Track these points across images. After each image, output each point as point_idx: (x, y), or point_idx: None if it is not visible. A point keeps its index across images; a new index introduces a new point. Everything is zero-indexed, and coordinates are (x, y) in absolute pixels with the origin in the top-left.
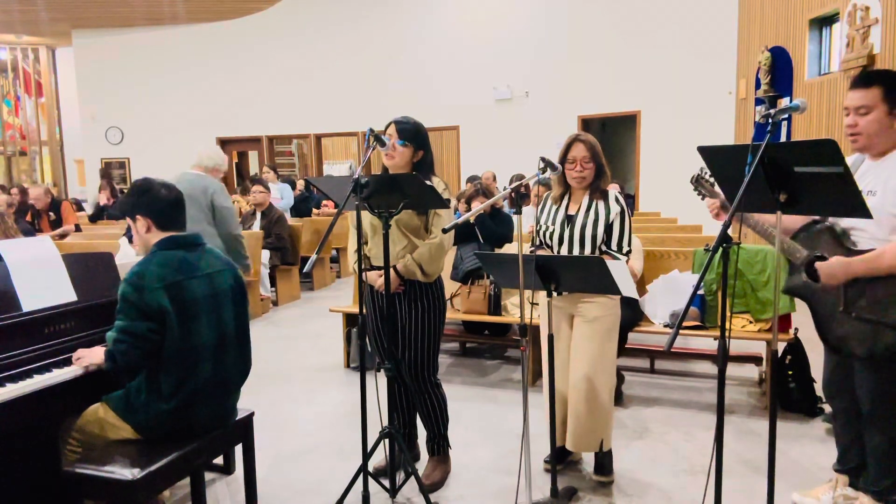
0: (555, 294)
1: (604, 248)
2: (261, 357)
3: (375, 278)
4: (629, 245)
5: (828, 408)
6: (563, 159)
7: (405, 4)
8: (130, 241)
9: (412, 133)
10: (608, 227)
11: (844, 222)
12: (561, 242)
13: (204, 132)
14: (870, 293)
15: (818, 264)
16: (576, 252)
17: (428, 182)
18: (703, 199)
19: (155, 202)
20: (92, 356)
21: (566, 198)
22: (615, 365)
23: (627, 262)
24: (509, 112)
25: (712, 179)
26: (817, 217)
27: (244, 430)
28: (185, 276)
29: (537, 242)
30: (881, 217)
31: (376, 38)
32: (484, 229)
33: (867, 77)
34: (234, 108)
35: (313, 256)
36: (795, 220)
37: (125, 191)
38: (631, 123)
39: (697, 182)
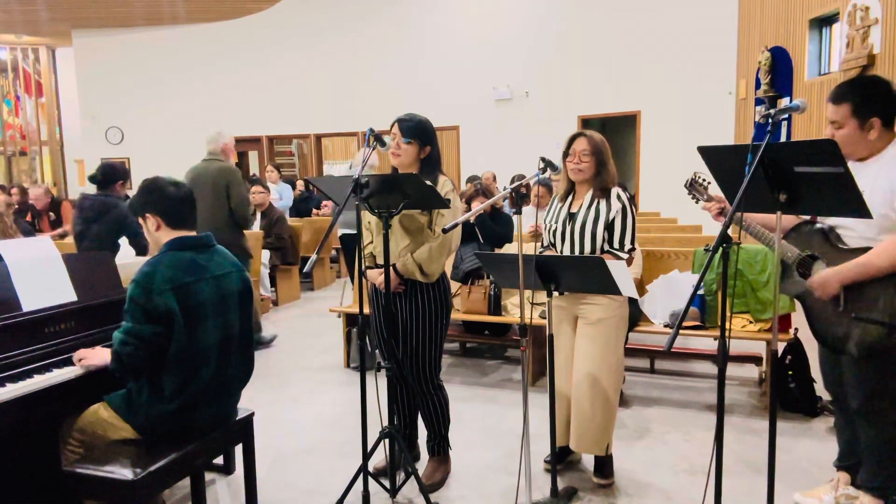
0: (557, 294)
1: (606, 246)
2: (261, 357)
3: (376, 276)
4: (632, 243)
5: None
6: (566, 153)
7: (405, 4)
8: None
9: (415, 130)
10: (609, 225)
11: (831, 221)
12: (563, 240)
13: (204, 132)
14: (868, 293)
15: (811, 282)
16: (577, 249)
17: (429, 182)
18: (696, 202)
19: (163, 200)
20: (94, 356)
21: (571, 196)
22: (622, 367)
23: (630, 259)
24: (509, 112)
25: (706, 183)
26: (807, 217)
27: (244, 430)
28: (195, 277)
29: (546, 244)
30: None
31: (376, 37)
32: (484, 229)
33: (838, 93)
34: (234, 108)
35: (313, 256)
36: (786, 221)
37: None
38: (631, 123)
39: (692, 186)
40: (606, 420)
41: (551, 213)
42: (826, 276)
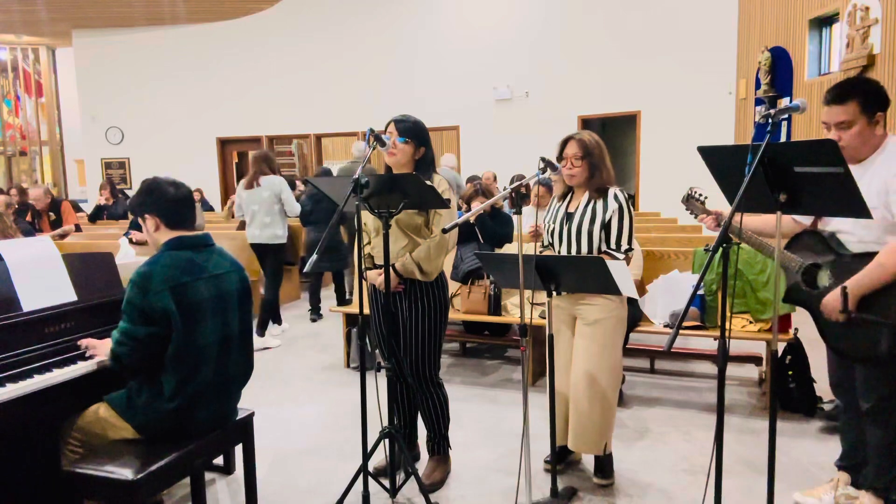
0: (556, 294)
1: (603, 246)
2: (261, 357)
3: (375, 277)
4: (629, 243)
5: (828, 406)
6: (559, 157)
7: (406, 4)
8: (131, 240)
9: (412, 130)
10: (605, 225)
11: (830, 227)
12: (561, 240)
13: (204, 132)
14: (868, 293)
15: (823, 308)
16: (574, 249)
17: (428, 181)
18: (694, 217)
19: (162, 200)
20: (102, 350)
21: (569, 196)
22: (620, 367)
23: (627, 259)
24: (509, 112)
25: (703, 198)
26: (807, 225)
27: (244, 430)
28: (192, 277)
29: (545, 243)
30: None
31: (376, 38)
32: (484, 229)
33: (841, 92)
34: (234, 108)
35: (313, 256)
36: (785, 229)
37: (125, 191)
38: (631, 123)
39: (688, 201)
40: (605, 420)
41: (550, 213)
42: (834, 300)
